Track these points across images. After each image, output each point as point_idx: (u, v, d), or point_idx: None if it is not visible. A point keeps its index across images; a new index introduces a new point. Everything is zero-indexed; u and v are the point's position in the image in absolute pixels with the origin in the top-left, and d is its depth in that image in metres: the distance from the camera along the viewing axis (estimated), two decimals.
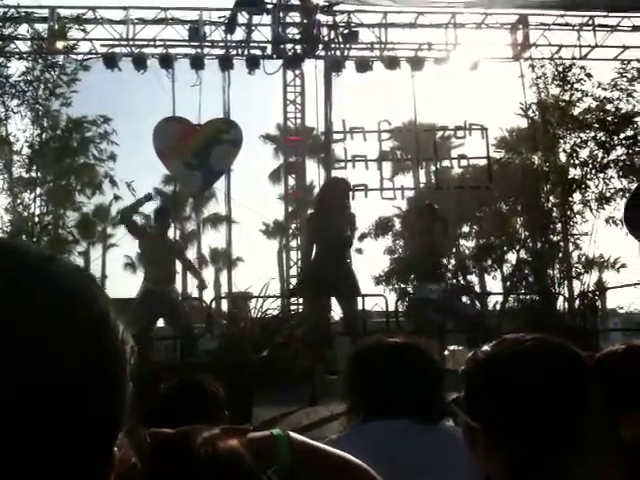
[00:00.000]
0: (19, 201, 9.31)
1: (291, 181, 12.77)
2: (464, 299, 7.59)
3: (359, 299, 7.80)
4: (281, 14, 11.78)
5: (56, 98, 9.52)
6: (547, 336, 1.21)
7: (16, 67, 9.68)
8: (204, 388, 2.04)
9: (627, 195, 9.71)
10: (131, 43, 11.54)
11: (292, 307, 10.18)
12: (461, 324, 7.31)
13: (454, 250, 20.32)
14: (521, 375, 1.12)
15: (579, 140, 10.21)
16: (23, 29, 10.40)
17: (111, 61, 11.10)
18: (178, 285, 7.92)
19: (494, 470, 1.17)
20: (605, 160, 9.94)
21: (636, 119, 10.01)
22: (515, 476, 1.12)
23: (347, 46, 11.92)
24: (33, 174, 9.40)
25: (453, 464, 1.80)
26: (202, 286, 9.48)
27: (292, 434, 1.07)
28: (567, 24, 12.09)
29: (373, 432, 1.84)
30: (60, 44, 9.94)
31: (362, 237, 29.42)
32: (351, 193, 7.80)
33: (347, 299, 6.75)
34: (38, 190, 9.36)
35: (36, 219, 9.29)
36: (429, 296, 7.08)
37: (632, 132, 9.93)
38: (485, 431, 1.15)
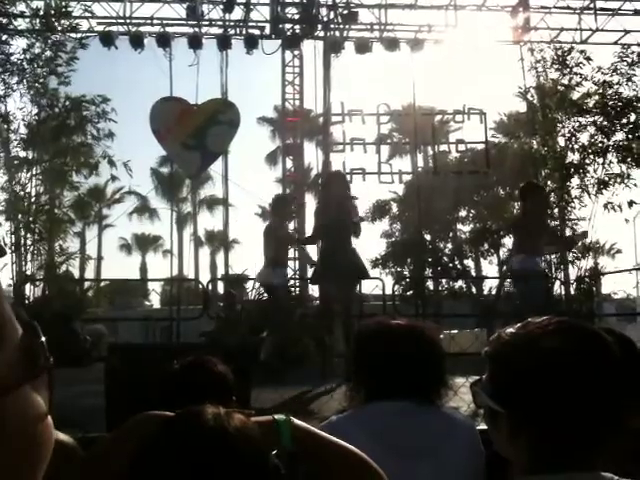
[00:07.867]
0: (16, 180, 9.25)
1: (289, 163, 12.70)
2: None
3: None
4: None
5: (56, 77, 9.42)
6: (572, 319, 1.19)
7: (16, 45, 9.58)
8: (216, 368, 2.02)
9: (625, 180, 9.71)
10: (128, 21, 11.41)
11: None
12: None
13: (451, 234, 20.39)
14: (548, 358, 1.09)
15: (578, 125, 10.16)
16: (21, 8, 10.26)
17: (108, 40, 10.95)
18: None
19: (517, 455, 1.14)
20: (605, 145, 9.90)
21: (637, 104, 9.95)
22: (540, 462, 1.10)
23: (346, 27, 11.80)
24: (30, 153, 9.34)
25: (453, 445, 1.81)
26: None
27: (294, 420, 1.07)
28: (568, 7, 12.00)
29: (374, 413, 1.84)
30: (60, 22, 9.80)
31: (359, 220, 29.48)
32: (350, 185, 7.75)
33: (352, 285, 6.81)
34: (35, 169, 9.30)
35: (32, 199, 9.24)
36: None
37: (634, 117, 9.86)
38: (509, 415, 1.12)
